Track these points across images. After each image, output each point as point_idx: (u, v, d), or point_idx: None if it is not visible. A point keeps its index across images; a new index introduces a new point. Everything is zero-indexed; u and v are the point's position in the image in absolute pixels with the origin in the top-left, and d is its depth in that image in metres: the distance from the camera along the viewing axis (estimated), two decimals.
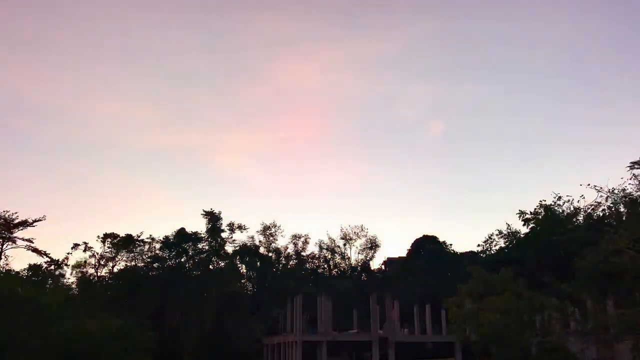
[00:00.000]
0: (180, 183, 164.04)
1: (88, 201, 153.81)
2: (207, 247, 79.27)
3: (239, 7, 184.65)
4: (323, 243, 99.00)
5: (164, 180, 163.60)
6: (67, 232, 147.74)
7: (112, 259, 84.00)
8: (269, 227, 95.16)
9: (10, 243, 66.99)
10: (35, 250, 68.37)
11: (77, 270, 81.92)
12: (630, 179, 38.21)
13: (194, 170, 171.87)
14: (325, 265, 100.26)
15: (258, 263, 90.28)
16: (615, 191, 26.61)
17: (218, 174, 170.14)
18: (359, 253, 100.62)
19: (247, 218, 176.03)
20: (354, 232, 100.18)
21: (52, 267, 74.13)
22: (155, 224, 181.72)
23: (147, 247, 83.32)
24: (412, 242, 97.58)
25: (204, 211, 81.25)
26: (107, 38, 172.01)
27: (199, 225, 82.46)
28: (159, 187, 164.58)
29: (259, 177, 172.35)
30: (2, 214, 65.97)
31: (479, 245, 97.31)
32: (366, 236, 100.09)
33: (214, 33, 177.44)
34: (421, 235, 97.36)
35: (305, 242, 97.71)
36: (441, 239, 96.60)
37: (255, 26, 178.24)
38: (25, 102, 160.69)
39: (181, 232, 78.65)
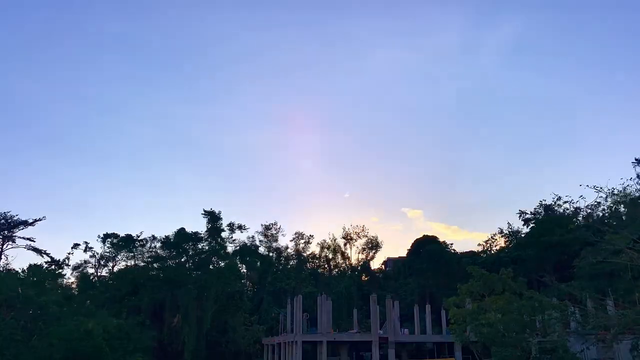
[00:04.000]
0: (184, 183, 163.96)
1: (88, 201, 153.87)
2: (207, 247, 79.13)
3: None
4: (325, 243, 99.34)
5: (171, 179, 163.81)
6: (67, 232, 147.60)
7: (112, 259, 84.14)
8: (270, 226, 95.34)
9: (10, 243, 67.20)
10: (35, 250, 68.58)
11: (77, 270, 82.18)
12: (633, 178, 38.26)
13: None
14: (326, 265, 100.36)
15: (258, 263, 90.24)
16: (615, 191, 26.59)
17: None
18: (359, 253, 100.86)
19: (249, 217, 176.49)
20: (355, 232, 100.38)
21: (52, 267, 74.20)
22: (157, 224, 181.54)
23: (147, 246, 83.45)
24: (412, 242, 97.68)
25: (204, 211, 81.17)
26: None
27: (200, 225, 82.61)
28: (165, 186, 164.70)
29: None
30: (2, 214, 66.23)
31: (479, 245, 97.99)
32: (367, 236, 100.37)
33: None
34: (421, 235, 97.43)
35: (307, 242, 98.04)
36: (441, 239, 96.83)
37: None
38: (25, 100, 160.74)
39: (181, 232, 78.52)
